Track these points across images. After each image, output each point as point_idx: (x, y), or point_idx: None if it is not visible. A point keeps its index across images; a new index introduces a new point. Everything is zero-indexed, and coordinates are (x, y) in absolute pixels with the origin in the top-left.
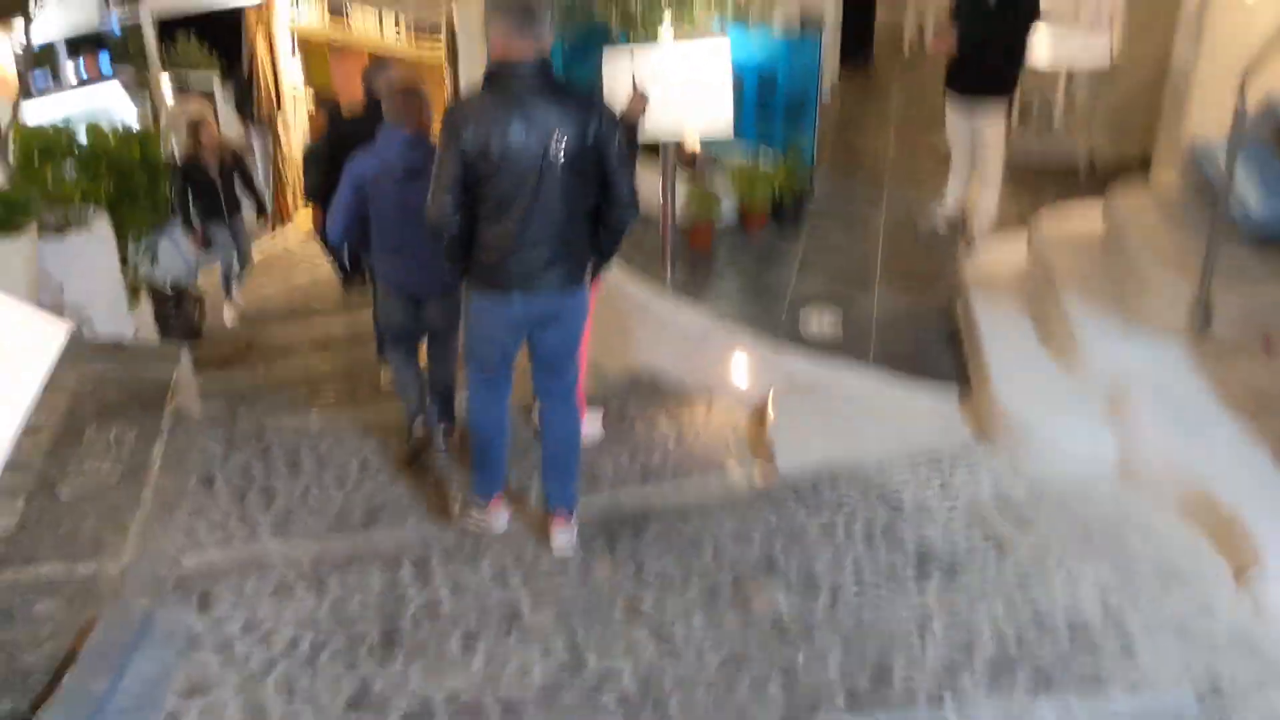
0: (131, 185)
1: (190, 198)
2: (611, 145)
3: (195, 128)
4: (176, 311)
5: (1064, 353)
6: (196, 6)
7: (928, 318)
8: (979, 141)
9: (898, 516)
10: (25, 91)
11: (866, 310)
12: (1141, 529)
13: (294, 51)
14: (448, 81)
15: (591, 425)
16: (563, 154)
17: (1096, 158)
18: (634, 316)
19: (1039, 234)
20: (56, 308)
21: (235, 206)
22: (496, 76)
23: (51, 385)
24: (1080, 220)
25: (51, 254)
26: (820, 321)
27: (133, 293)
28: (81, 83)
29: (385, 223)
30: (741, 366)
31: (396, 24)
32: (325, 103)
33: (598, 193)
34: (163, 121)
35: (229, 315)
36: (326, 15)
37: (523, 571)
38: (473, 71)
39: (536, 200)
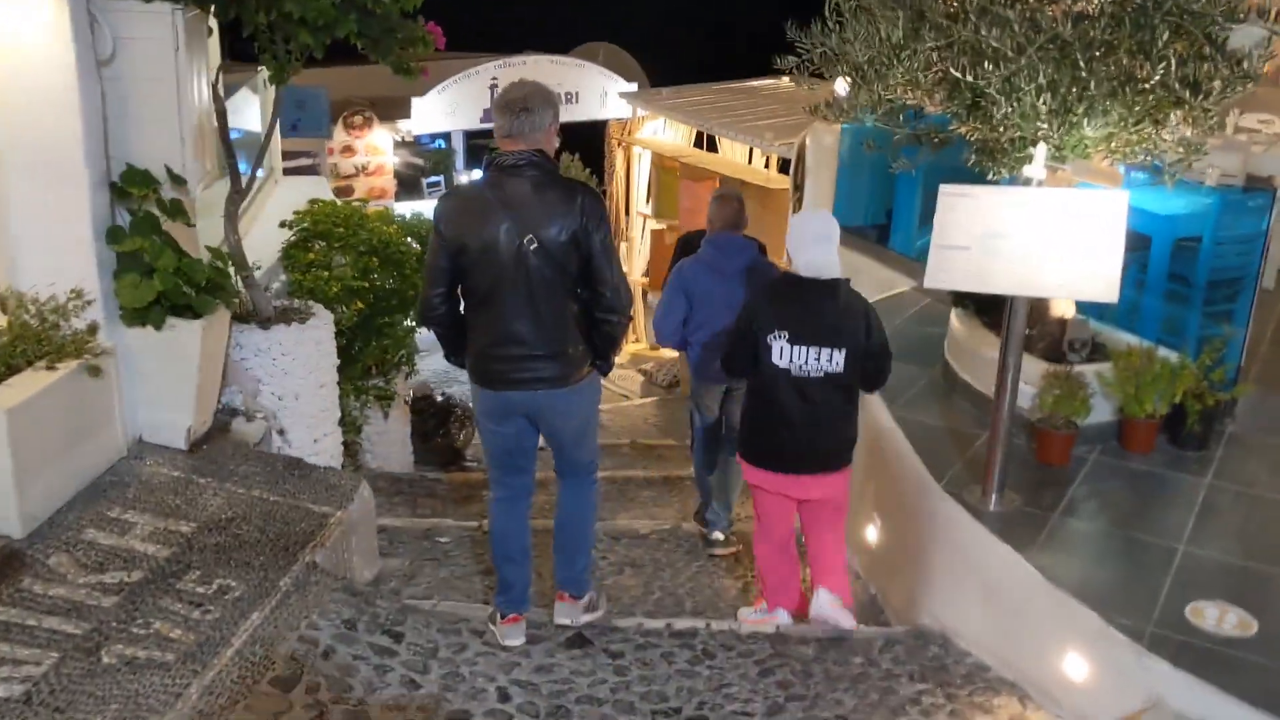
0: (403, 288)
1: None
2: (594, 241)
3: None
4: (438, 428)
5: None
6: (570, 116)
7: None
8: None
9: None
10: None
11: None
12: None
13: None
14: (791, 205)
15: (846, 618)
16: (538, 246)
17: None
18: (934, 544)
19: None
20: (247, 411)
21: None
22: (489, 168)
23: (187, 509)
24: None
25: (252, 348)
26: (1220, 617)
27: (383, 400)
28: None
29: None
30: (1081, 664)
31: (765, 155)
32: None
33: (588, 289)
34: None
35: None
36: (691, 138)
37: None
38: (818, 197)
39: (517, 293)
